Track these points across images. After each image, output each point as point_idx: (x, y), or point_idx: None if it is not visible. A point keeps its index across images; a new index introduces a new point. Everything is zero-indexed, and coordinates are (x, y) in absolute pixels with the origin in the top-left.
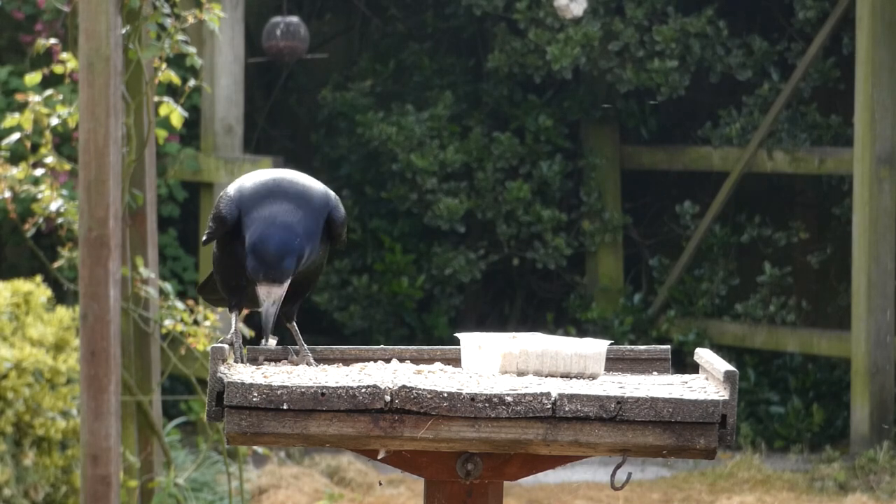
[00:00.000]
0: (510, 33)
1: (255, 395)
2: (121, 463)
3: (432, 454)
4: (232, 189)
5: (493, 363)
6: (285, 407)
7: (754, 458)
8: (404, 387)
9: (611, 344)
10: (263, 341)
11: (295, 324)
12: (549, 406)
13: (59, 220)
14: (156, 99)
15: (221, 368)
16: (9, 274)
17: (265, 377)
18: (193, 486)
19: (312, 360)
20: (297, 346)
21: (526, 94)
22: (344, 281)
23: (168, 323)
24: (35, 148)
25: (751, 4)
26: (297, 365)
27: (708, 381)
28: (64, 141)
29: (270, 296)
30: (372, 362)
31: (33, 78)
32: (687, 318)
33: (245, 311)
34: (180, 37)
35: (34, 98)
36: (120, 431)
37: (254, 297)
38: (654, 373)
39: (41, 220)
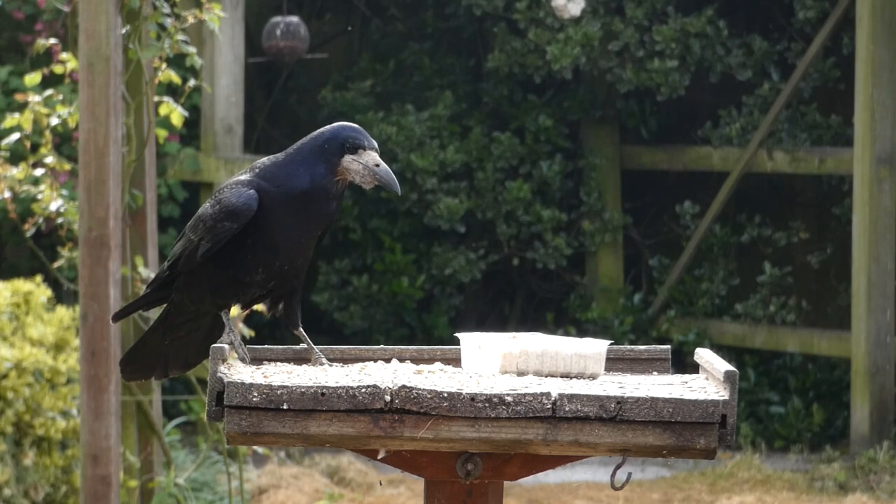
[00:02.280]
0: (510, 33)
1: (255, 395)
2: (121, 463)
3: (432, 454)
4: (234, 185)
5: (493, 363)
6: (285, 407)
7: (754, 458)
8: (404, 387)
9: (611, 344)
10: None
11: (302, 329)
12: (549, 406)
13: (59, 220)
14: (156, 99)
15: (221, 368)
16: (9, 274)
17: (265, 377)
18: (193, 486)
19: (326, 361)
20: (306, 346)
21: (526, 94)
22: (344, 281)
23: None
24: (35, 148)
25: (751, 4)
26: (314, 366)
27: (708, 381)
28: (64, 141)
29: (378, 158)
30: (372, 362)
31: (33, 78)
32: (687, 318)
33: (245, 312)
34: (180, 37)
35: (34, 98)
36: (120, 431)
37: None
38: (654, 373)
39: (41, 220)
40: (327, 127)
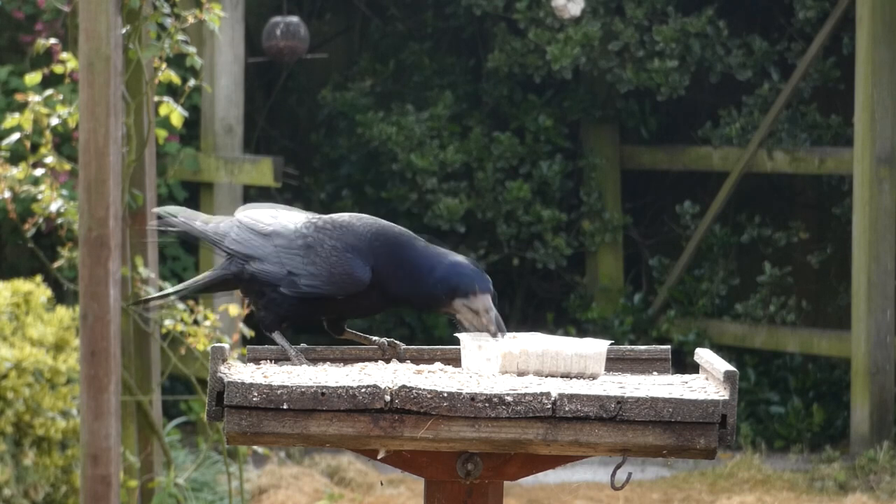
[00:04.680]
0: (510, 33)
1: (255, 394)
2: (121, 463)
3: (432, 454)
4: (339, 246)
5: (494, 363)
6: (285, 407)
7: (754, 458)
8: (404, 387)
9: (611, 344)
10: (500, 336)
11: (347, 329)
12: (549, 406)
13: (59, 220)
14: (156, 99)
15: (221, 368)
16: (9, 274)
17: (265, 377)
18: (193, 486)
19: (388, 344)
20: (361, 342)
21: (526, 94)
22: None
23: (168, 323)
24: (35, 148)
25: (751, 4)
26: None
27: (708, 381)
28: (64, 141)
29: (492, 305)
30: (372, 362)
31: (33, 78)
32: (687, 318)
33: (245, 312)
34: (180, 37)
35: (34, 98)
36: (120, 431)
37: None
38: (654, 373)
39: (41, 220)
40: (454, 261)
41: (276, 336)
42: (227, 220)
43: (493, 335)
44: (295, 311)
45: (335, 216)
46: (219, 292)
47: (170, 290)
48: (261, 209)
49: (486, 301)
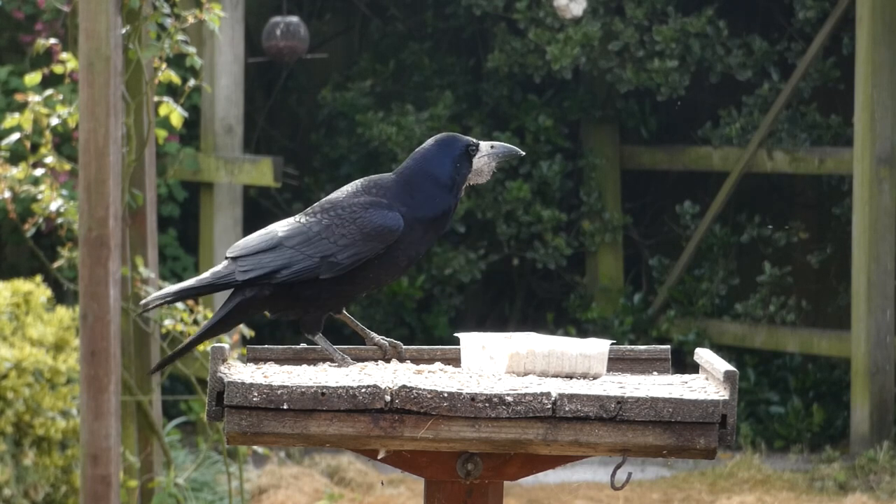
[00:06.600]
0: (510, 33)
1: (256, 394)
2: (121, 463)
3: (432, 454)
4: (367, 203)
5: (500, 364)
6: (285, 407)
7: (754, 458)
8: (404, 387)
9: (612, 344)
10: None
11: (344, 311)
12: (550, 406)
13: (59, 220)
14: (156, 99)
15: (221, 368)
16: (9, 274)
17: (265, 377)
18: (193, 486)
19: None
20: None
21: (526, 94)
22: None
23: (168, 323)
24: (35, 148)
25: (751, 4)
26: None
27: (708, 381)
28: (64, 141)
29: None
30: (372, 362)
31: (33, 78)
32: (687, 318)
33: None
34: (180, 37)
35: (34, 98)
36: (120, 431)
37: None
38: (654, 373)
39: (41, 220)
40: (431, 146)
41: (319, 339)
42: (221, 265)
43: (512, 156)
44: (336, 295)
45: (322, 200)
46: (243, 319)
47: (189, 339)
48: (246, 238)
49: (485, 144)
